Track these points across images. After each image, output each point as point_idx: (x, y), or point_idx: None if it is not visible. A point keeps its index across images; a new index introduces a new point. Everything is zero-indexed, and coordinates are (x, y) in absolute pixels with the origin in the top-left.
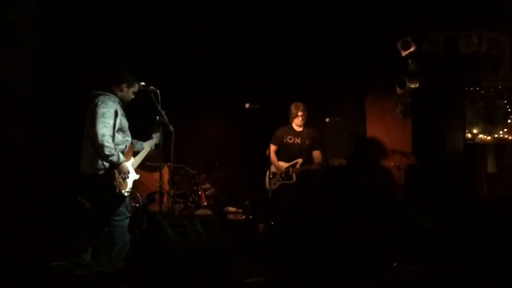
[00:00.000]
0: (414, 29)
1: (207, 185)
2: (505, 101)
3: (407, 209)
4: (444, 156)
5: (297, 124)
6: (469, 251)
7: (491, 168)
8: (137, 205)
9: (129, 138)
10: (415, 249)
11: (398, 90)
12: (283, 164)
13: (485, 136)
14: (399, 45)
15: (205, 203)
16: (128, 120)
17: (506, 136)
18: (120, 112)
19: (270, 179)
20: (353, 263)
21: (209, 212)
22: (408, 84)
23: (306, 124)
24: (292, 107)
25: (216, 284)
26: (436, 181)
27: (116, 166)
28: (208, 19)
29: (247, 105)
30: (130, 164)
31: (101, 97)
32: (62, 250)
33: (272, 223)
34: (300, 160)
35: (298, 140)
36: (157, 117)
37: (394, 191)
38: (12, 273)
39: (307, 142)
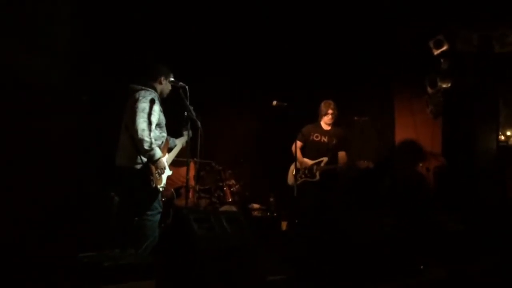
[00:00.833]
0: (447, 28)
1: (232, 181)
2: None
3: (435, 211)
4: (476, 158)
5: (326, 122)
6: (499, 254)
7: None
8: (163, 199)
9: (165, 134)
10: (443, 252)
11: (429, 90)
12: (308, 161)
13: None
14: (431, 44)
15: (230, 199)
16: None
17: None
18: (159, 107)
19: (294, 175)
20: (378, 263)
21: (234, 208)
22: (439, 83)
23: (334, 123)
24: (322, 105)
25: (241, 280)
26: (466, 183)
27: (154, 161)
28: (237, 14)
29: (274, 102)
30: (165, 160)
31: (142, 92)
32: (91, 242)
33: (296, 221)
34: (325, 159)
35: (325, 139)
36: (186, 112)
37: (422, 193)
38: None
39: (334, 142)
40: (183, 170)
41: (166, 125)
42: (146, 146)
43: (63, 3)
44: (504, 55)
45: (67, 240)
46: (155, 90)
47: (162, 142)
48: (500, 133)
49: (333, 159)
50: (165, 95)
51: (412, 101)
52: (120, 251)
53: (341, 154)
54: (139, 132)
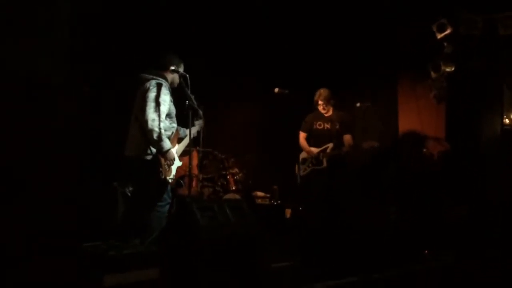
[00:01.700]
0: (450, 11)
1: (236, 170)
2: None
3: (439, 196)
4: (480, 143)
5: (321, 110)
6: (504, 239)
7: None
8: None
9: (175, 125)
10: (447, 238)
11: (433, 74)
12: (314, 150)
13: None
14: (434, 28)
15: (234, 188)
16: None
17: None
18: (169, 97)
19: (299, 165)
20: (382, 249)
21: (237, 196)
22: (443, 68)
23: (336, 108)
24: (315, 95)
25: (245, 268)
26: (470, 168)
27: (163, 152)
28: (241, 2)
29: (276, 90)
30: (174, 151)
31: (153, 81)
32: (96, 232)
33: (300, 208)
34: (330, 145)
35: (328, 125)
36: (187, 101)
37: (426, 178)
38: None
39: (337, 127)
40: (186, 159)
41: (177, 115)
42: (155, 136)
43: (63, 3)
44: (509, 37)
45: (71, 231)
46: (166, 79)
47: (172, 132)
48: (504, 116)
49: (339, 144)
50: (175, 85)
51: (415, 86)
52: (124, 241)
53: (347, 137)
54: (149, 122)
